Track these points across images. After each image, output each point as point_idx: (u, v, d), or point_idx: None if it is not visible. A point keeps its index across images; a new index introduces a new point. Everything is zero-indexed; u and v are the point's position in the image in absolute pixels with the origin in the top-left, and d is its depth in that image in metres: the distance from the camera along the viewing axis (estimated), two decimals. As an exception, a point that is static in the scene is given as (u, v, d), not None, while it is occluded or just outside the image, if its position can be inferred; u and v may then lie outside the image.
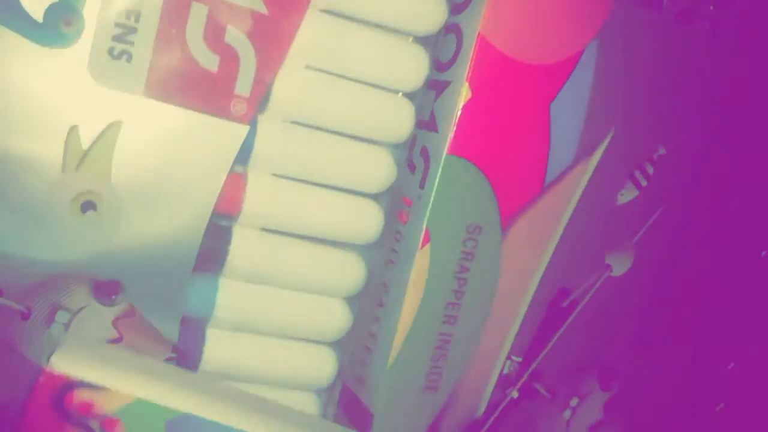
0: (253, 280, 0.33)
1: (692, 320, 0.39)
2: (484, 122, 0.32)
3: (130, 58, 0.28)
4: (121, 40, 0.28)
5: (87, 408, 0.27)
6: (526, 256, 0.34)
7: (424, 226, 0.32)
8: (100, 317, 0.30)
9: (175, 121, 0.29)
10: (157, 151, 0.29)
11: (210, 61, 0.29)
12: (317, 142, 0.33)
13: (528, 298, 0.35)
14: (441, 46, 0.33)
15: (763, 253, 0.39)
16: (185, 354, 0.32)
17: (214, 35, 0.29)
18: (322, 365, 0.35)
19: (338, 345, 0.36)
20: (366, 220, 0.34)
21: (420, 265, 0.32)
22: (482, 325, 0.34)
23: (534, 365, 0.36)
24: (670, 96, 0.35)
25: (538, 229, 0.34)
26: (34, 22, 0.27)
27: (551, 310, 0.36)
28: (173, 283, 0.31)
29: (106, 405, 0.27)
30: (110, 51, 0.28)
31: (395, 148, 0.34)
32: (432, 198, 0.32)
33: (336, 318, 0.35)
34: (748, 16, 0.36)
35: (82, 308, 0.29)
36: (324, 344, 0.35)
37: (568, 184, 0.34)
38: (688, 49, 0.35)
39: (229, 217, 0.32)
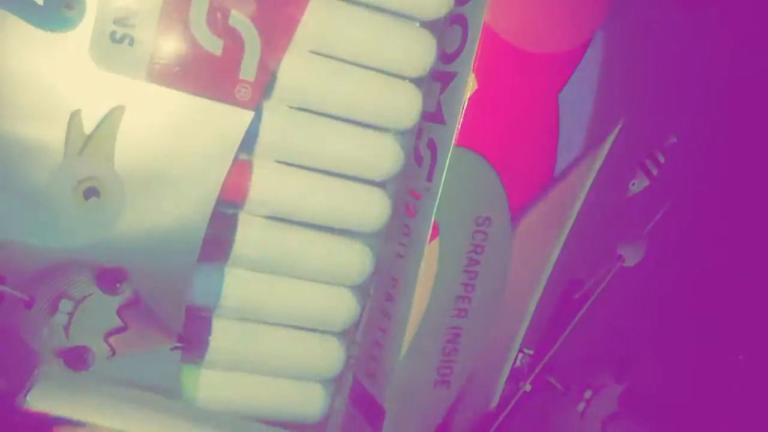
0: (259, 268, 0.33)
1: (704, 310, 0.39)
2: (492, 113, 0.32)
3: (132, 42, 0.28)
4: (123, 23, 0.28)
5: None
6: (537, 248, 0.34)
7: (433, 219, 0.32)
8: (104, 306, 0.29)
9: (178, 106, 0.29)
10: (160, 136, 0.29)
11: (214, 45, 0.29)
12: (323, 129, 0.32)
13: (539, 289, 0.35)
14: (446, 38, 0.33)
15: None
16: (191, 343, 0.32)
17: (218, 19, 0.29)
18: (329, 355, 0.35)
19: (345, 335, 0.35)
20: (372, 208, 0.34)
21: (429, 258, 0.32)
22: (493, 318, 0.34)
23: (546, 358, 0.36)
24: (680, 84, 0.35)
25: (548, 221, 0.34)
26: (35, 5, 0.27)
27: (563, 302, 0.35)
28: (178, 272, 0.31)
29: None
30: (112, 35, 0.28)
31: (402, 134, 0.34)
32: (440, 190, 0.32)
33: (342, 307, 0.35)
34: (758, 2, 0.36)
35: (86, 297, 0.29)
36: (330, 334, 0.35)
37: (579, 175, 0.34)
38: (697, 35, 0.35)
39: (234, 205, 0.32)
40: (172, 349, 0.31)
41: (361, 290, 0.35)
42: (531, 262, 0.34)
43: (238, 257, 0.32)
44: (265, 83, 0.30)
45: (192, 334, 0.32)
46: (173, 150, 0.29)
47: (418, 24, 0.33)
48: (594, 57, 0.33)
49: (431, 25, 0.33)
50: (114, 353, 0.30)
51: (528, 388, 0.36)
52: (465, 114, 0.31)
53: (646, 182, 0.35)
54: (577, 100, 0.33)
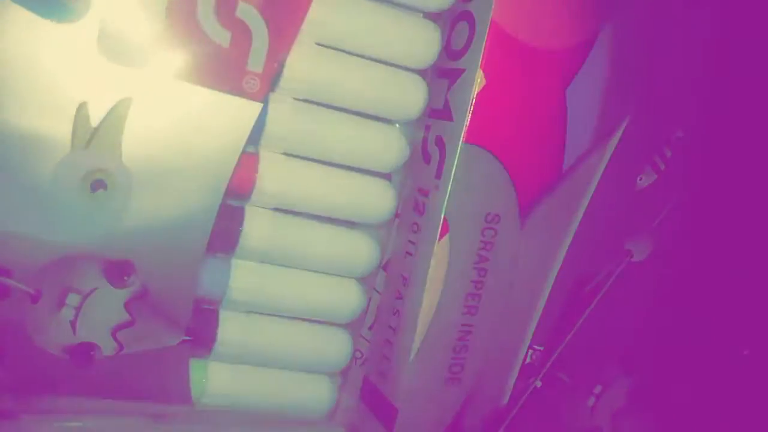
0: (266, 260, 0.33)
1: (711, 305, 0.38)
2: (500, 109, 0.32)
3: (139, 34, 0.28)
4: (130, 15, 0.27)
5: None
6: (546, 244, 0.34)
7: (443, 216, 0.32)
8: (111, 299, 0.29)
9: (186, 98, 0.29)
10: (168, 129, 0.29)
11: (222, 37, 0.29)
12: (329, 121, 0.32)
13: (548, 285, 0.35)
14: (453, 34, 0.33)
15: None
16: (199, 336, 0.32)
17: (226, 10, 0.29)
18: (336, 347, 0.35)
19: (352, 328, 0.35)
20: (378, 200, 0.34)
21: (439, 255, 0.32)
22: (503, 315, 0.34)
23: (556, 354, 0.36)
24: (687, 78, 0.35)
25: (557, 216, 0.34)
26: (41, -5, 0.26)
27: (572, 298, 0.35)
28: (185, 264, 0.30)
29: None
30: (119, 26, 0.27)
31: (407, 126, 0.34)
32: (449, 188, 0.31)
33: (348, 299, 0.35)
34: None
35: (93, 290, 0.29)
36: (337, 326, 0.35)
37: (587, 170, 0.34)
38: (704, 29, 0.35)
39: (241, 197, 0.32)
40: (179, 343, 0.31)
41: (367, 282, 0.35)
42: (540, 258, 0.34)
43: (246, 249, 0.32)
44: (273, 75, 0.30)
45: (200, 327, 0.32)
46: (181, 142, 0.29)
47: (422, 15, 0.33)
48: (601, 52, 0.33)
49: (436, 17, 0.33)
50: (121, 349, 0.30)
51: (539, 384, 0.36)
52: (473, 110, 0.31)
53: (653, 177, 0.35)
54: (585, 95, 0.33)
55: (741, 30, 0.36)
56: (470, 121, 0.31)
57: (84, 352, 0.29)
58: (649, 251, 0.36)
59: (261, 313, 0.33)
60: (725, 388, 0.39)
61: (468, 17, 0.32)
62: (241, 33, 0.29)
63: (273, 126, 0.31)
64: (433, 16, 0.33)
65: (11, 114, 0.27)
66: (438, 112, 0.33)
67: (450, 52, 0.33)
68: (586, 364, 0.37)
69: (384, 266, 0.35)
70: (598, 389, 0.37)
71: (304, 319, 0.34)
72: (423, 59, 0.33)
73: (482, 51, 0.31)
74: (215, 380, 0.33)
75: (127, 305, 0.30)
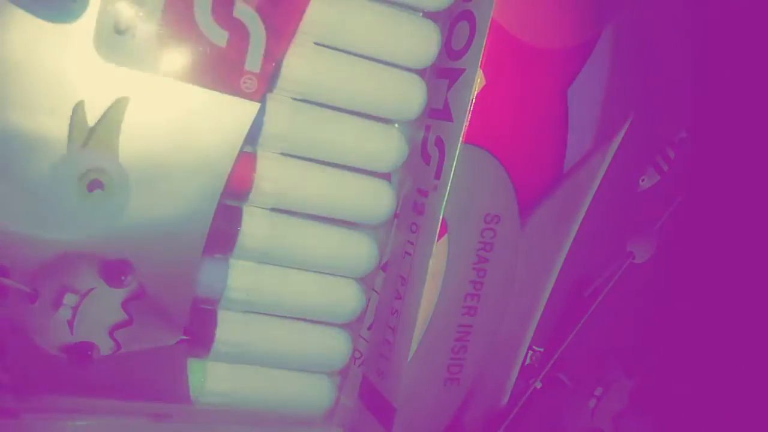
0: (264, 260, 0.33)
1: (714, 306, 0.38)
2: (500, 110, 0.31)
3: (136, 33, 0.28)
4: (127, 14, 0.27)
5: None
6: (546, 245, 0.34)
7: (441, 217, 0.32)
8: (109, 299, 0.29)
9: (183, 98, 0.29)
10: (165, 128, 0.29)
11: (219, 37, 0.29)
12: (327, 120, 0.32)
13: (549, 287, 0.34)
14: (453, 34, 0.32)
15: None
16: (197, 336, 0.32)
17: (223, 9, 0.29)
18: (335, 347, 0.35)
19: (350, 327, 0.35)
20: (377, 199, 0.34)
21: (438, 256, 0.32)
22: (502, 316, 0.34)
23: (557, 355, 0.35)
24: (689, 79, 0.35)
25: (558, 217, 0.34)
26: (38, -4, 0.26)
27: (573, 299, 0.35)
28: (183, 264, 0.30)
29: None
30: (116, 26, 0.27)
31: (406, 126, 0.34)
32: (448, 188, 0.31)
33: (347, 299, 0.35)
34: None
35: (90, 290, 0.29)
36: (336, 326, 0.35)
37: (588, 171, 0.34)
38: (706, 30, 0.34)
39: (239, 197, 0.32)
40: (178, 342, 0.31)
41: (366, 282, 0.35)
42: (540, 259, 0.34)
43: (244, 249, 0.32)
44: (271, 74, 0.30)
45: (198, 327, 0.32)
46: (178, 142, 0.29)
47: (421, 14, 0.33)
48: (603, 52, 0.33)
49: (435, 16, 0.33)
50: (119, 348, 0.30)
51: (539, 385, 0.36)
52: (473, 111, 0.31)
53: (656, 178, 0.35)
54: (586, 95, 0.33)
55: (743, 30, 0.35)
56: (470, 121, 0.31)
57: (82, 351, 0.29)
58: (651, 253, 0.36)
59: (259, 313, 0.33)
60: (727, 390, 0.39)
61: (468, 17, 0.32)
62: (239, 33, 0.29)
63: (271, 126, 0.31)
64: (432, 16, 0.33)
65: (8, 113, 0.27)
66: (438, 112, 0.33)
67: (450, 51, 0.33)
68: (587, 366, 0.37)
69: (383, 266, 0.35)
70: (599, 391, 0.37)
71: (302, 319, 0.34)
72: (422, 59, 0.33)
73: (482, 51, 0.31)
74: (214, 380, 0.33)
75: (124, 305, 0.30)
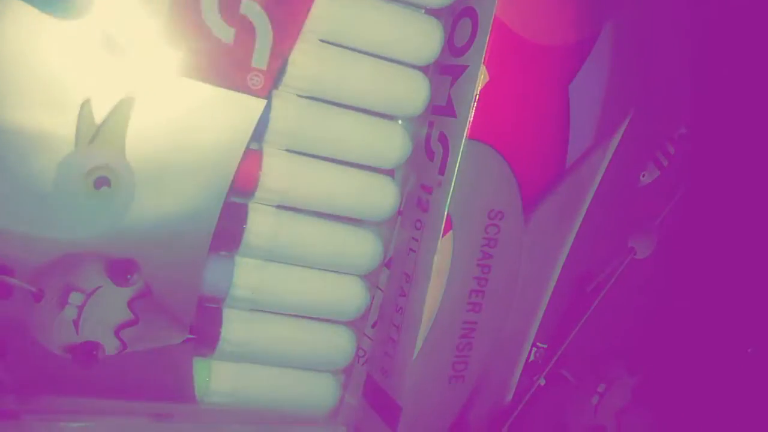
0: (270, 258, 0.33)
1: (715, 302, 0.38)
2: (503, 106, 0.32)
3: (142, 31, 0.27)
4: (133, 11, 0.27)
5: None
6: (549, 241, 0.34)
7: (446, 213, 0.32)
8: (115, 298, 0.29)
9: (190, 95, 0.29)
10: (172, 126, 0.29)
11: (226, 33, 0.29)
12: (332, 117, 0.32)
13: (552, 283, 0.35)
14: (456, 31, 0.33)
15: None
16: (202, 334, 0.31)
17: (230, 6, 0.28)
18: (339, 345, 0.35)
19: (355, 325, 0.35)
20: (381, 196, 0.34)
21: (443, 252, 0.32)
22: (506, 312, 0.34)
23: (560, 351, 0.36)
24: (689, 74, 0.35)
25: (560, 213, 0.34)
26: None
27: (575, 295, 0.35)
28: (189, 262, 0.30)
29: None
30: (122, 23, 0.27)
31: (409, 122, 0.34)
32: (452, 184, 0.31)
33: (352, 296, 0.34)
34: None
35: (96, 289, 0.29)
36: (341, 324, 0.35)
37: (589, 166, 0.34)
38: (707, 26, 0.35)
39: (245, 194, 0.31)
40: (183, 341, 0.31)
41: (370, 279, 0.35)
42: (543, 255, 0.34)
43: (249, 247, 0.32)
44: (277, 71, 0.30)
45: (203, 326, 0.32)
46: (185, 139, 0.29)
47: (424, 11, 0.33)
48: (604, 48, 0.33)
49: (438, 13, 0.33)
50: (125, 348, 0.30)
51: (542, 382, 0.36)
52: (476, 107, 0.31)
53: (656, 173, 0.35)
54: (588, 91, 0.33)
55: (742, 27, 0.36)
56: (473, 117, 0.31)
57: (87, 351, 0.29)
58: (653, 248, 0.36)
59: (264, 311, 0.33)
60: (729, 386, 0.39)
61: (471, 13, 0.32)
62: (245, 30, 0.29)
63: (277, 122, 0.31)
64: (435, 13, 0.33)
65: (15, 111, 0.27)
66: (441, 108, 0.33)
67: (453, 48, 0.33)
68: (590, 362, 0.37)
69: (387, 263, 0.35)
70: (602, 388, 0.37)
71: (307, 317, 0.34)
72: (425, 55, 0.33)
73: (485, 47, 0.31)
74: (219, 378, 0.33)
75: (130, 304, 0.29)
